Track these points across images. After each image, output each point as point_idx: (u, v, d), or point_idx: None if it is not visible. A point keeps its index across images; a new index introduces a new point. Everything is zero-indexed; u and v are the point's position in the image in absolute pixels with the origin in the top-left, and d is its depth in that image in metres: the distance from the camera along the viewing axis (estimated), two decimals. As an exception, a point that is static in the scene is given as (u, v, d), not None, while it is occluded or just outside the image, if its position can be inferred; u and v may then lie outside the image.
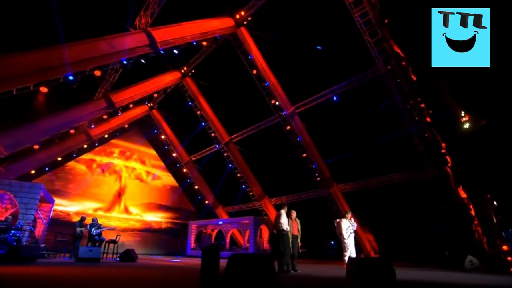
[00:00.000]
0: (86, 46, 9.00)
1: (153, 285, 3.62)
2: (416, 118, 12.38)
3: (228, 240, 19.72)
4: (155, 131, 21.79)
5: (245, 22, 14.57)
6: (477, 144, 12.43)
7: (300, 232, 7.00)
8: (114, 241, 9.96)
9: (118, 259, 9.44)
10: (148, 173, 21.42)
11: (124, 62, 10.14)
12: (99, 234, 9.76)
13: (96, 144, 18.57)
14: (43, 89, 8.40)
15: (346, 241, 8.64)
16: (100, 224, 10.28)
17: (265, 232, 19.35)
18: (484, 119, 12.71)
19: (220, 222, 19.63)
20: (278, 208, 20.12)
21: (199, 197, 22.59)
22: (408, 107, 12.31)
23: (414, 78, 12.27)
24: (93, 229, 9.71)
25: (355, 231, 9.06)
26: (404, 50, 12.03)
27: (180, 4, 12.49)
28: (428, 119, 12.26)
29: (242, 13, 14.16)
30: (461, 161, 13.17)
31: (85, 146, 17.54)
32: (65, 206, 17.06)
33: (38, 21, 8.12)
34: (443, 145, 12.77)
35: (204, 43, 13.47)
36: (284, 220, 6.38)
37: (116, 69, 12.65)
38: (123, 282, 4.22)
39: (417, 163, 13.92)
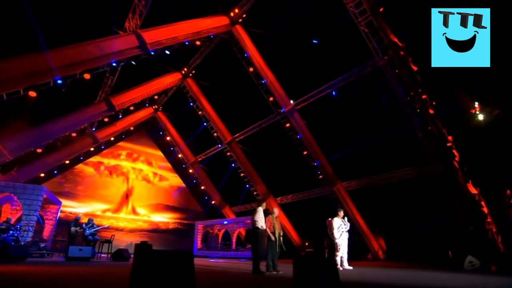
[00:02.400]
0: (74, 50, 9.20)
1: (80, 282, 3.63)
2: (418, 110, 11.73)
3: (234, 240, 19.65)
4: (160, 133, 22.12)
5: (240, 20, 14.44)
6: (493, 136, 11.67)
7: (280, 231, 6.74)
8: (108, 241, 10.13)
9: (111, 258, 9.58)
10: (155, 174, 21.78)
11: (114, 64, 10.29)
12: (93, 234, 9.96)
13: (103, 147, 19.09)
14: (32, 94, 8.67)
15: (337, 241, 8.29)
16: (95, 224, 10.49)
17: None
18: (497, 108, 11.92)
19: (225, 222, 19.60)
20: (283, 207, 19.94)
21: (206, 198, 22.70)
22: (409, 99, 11.68)
23: (415, 68, 11.63)
24: (86, 229, 9.92)
25: (348, 231, 8.67)
26: (402, 39, 11.43)
27: (173, 5, 12.54)
28: (431, 111, 11.57)
29: (236, 10, 14.03)
30: (473, 154, 12.41)
31: (92, 149, 18.06)
32: (74, 207, 17.65)
33: (26, 26, 8.36)
34: (450, 138, 12.02)
35: (198, 43, 13.44)
36: (258, 217, 6.16)
37: (113, 72, 12.87)
38: (60, 279, 4.23)
39: (423, 158, 13.24)
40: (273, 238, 6.55)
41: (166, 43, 11.86)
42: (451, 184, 12.05)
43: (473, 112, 12.27)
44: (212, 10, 13.77)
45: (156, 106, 20.59)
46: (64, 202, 17.10)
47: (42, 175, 16.09)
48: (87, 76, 9.68)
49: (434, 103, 11.90)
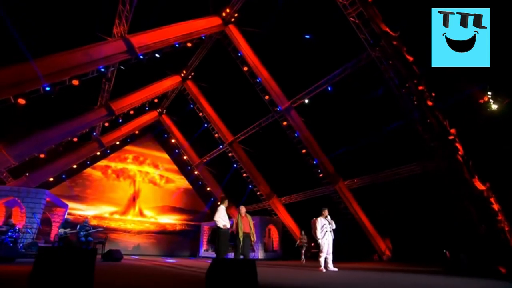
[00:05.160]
0: (62, 57, 9.50)
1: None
2: (416, 102, 11.08)
3: (240, 241, 19.56)
4: (165, 136, 22.51)
5: (232, 20, 14.39)
6: (503, 127, 10.92)
7: (252, 230, 6.54)
8: (101, 242, 10.36)
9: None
10: (161, 176, 22.18)
11: (102, 70, 10.55)
12: (86, 236, 10.21)
13: (108, 151, 19.68)
14: (21, 101, 9.07)
15: (320, 241, 7.96)
16: (90, 227, 10.75)
17: (273, 232, 18.89)
18: (507, 97, 11.18)
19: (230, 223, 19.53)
20: (288, 207, 19.61)
21: (212, 199, 22.80)
22: (404, 91, 11.07)
23: (411, 59, 11.01)
24: (81, 231, 10.19)
25: (334, 230, 8.31)
26: (395, 29, 10.85)
27: (163, 9, 12.71)
28: (430, 103, 10.88)
29: (228, 10, 14.00)
30: (481, 148, 11.64)
31: (98, 153, 18.67)
32: (83, 210, 18.32)
33: (13, 37, 8.75)
34: (452, 131, 11.27)
35: (189, 44, 13.51)
36: (219, 216, 6.01)
37: (109, 78, 13.21)
38: None
39: (427, 153, 12.54)
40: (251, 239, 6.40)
41: (155, 47, 12.00)
42: (456, 180, 11.29)
43: (482, 102, 11.54)
44: (203, 12, 13.81)
45: (160, 110, 20.98)
46: (74, 205, 17.81)
47: (51, 179, 16.81)
48: (75, 82, 9.98)
49: (433, 94, 11.21)
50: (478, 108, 11.40)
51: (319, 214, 8.42)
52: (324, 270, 7.64)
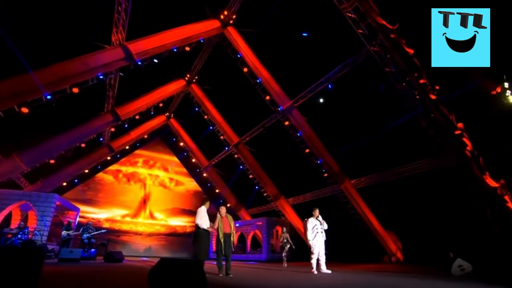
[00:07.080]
0: (61, 67, 9.89)
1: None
2: (417, 96, 10.57)
3: (249, 242, 19.51)
4: (174, 139, 22.90)
5: (230, 21, 14.44)
6: None
7: (233, 230, 6.47)
8: (104, 244, 10.68)
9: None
10: (171, 179, 22.58)
11: (101, 77, 10.91)
12: (89, 238, 10.57)
13: (119, 156, 20.30)
14: (24, 110, 9.55)
15: (311, 242, 7.75)
16: (92, 229, 11.11)
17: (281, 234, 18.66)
18: None
19: (237, 225, 19.55)
20: (296, 208, 19.32)
21: (221, 200, 22.90)
22: (404, 85, 10.60)
23: (411, 52, 10.52)
24: (84, 233, 10.56)
25: (326, 231, 8.07)
26: (394, 21, 10.42)
27: (161, 15, 12.99)
28: (433, 96, 10.34)
29: (225, 12, 14.07)
30: (494, 143, 10.99)
31: (109, 158, 19.29)
32: (95, 213, 19.00)
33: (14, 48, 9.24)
34: (460, 125, 10.65)
35: (187, 48, 13.67)
36: (198, 217, 5.98)
37: (112, 84, 13.63)
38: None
39: (434, 149, 11.95)
40: (231, 239, 6.36)
41: (154, 52, 12.23)
42: (464, 177, 10.64)
43: (494, 93, 10.91)
44: (201, 15, 13.96)
45: (168, 113, 21.41)
46: (86, 208, 18.51)
47: (65, 184, 17.56)
48: (75, 90, 10.37)
49: (437, 87, 10.65)
50: (490, 100, 10.74)
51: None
52: (315, 273, 7.44)
